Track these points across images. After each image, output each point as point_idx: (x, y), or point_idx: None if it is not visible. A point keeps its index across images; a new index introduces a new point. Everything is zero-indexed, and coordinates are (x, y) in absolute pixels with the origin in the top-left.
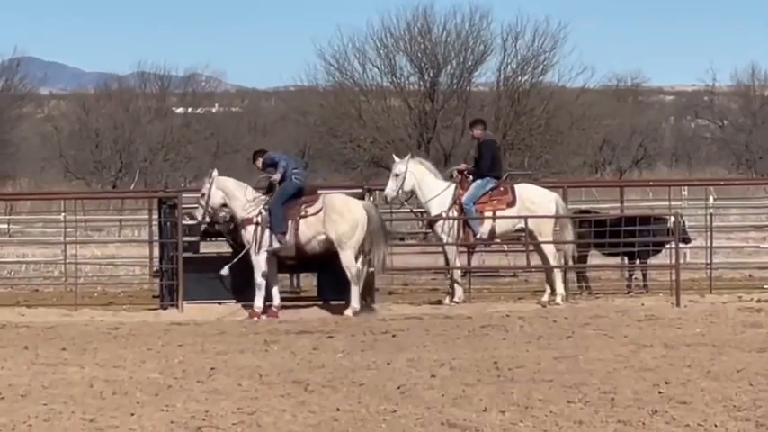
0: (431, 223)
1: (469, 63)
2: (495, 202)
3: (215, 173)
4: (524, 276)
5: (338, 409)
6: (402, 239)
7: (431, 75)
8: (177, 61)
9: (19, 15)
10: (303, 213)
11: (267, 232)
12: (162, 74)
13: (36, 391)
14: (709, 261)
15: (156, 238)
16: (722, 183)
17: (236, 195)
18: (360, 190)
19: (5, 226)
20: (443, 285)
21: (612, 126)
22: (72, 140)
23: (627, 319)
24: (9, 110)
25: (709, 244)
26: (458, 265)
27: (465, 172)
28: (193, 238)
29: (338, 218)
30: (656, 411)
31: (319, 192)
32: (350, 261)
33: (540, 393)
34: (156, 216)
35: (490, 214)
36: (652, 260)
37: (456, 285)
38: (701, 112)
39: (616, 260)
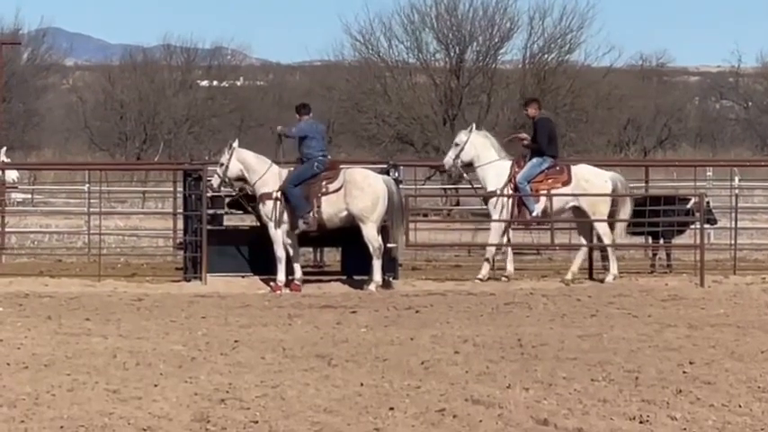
0: (485, 199)
1: (496, 40)
2: (550, 180)
3: (235, 143)
4: (548, 254)
5: (362, 384)
6: (425, 215)
7: (457, 51)
8: (203, 34)
9: None
10: (324, 190)
11: (288, 208)
12: (188, 47)
13: (59, 361)
14: (733, 242)
15: (180, 210)
16: (747, 164)
17: (255, 169)
18: (385, 165)
19: (29, 196)
20: (467, 262)
21: (637, 106)
22: (97, 112)
23: (651, 298)
24: (34, 80)
25: (733, 225)
26: (500, 242)
27: (523, 150)
28: (218, 211)
29: (359, 193)
30: (680, 391)
31: (340, 166)
32: (372, 235)
33: (563, 371)
34: (180, 188)
35: (545, 193)
36: (676, 240)
37: (485, 263)
38: (727, 93)
39: (640, 240)
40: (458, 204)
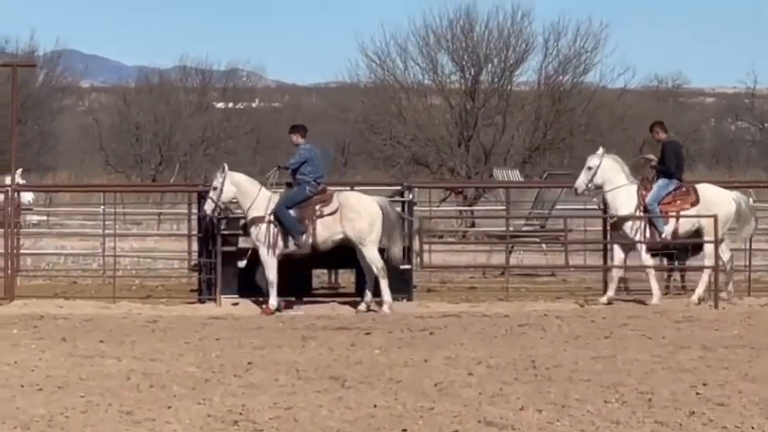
0: (616, 223)
1: (511, 62)
2: (678, 202)
3: (226, 167)
4: (563, 276)
5: (375, 406)
6: (440, 237)
7: (472, 73)
8: (219, 56)
9: (61, 8)
10: (319, 214)
11: (280, 232)
12: (203, 68)
13: (73, 382)
14: (748, 263)
15: (195, 232)
16: (762, 185)
17: (248, 192)
18: (399, 187)
19: (45, 218)
20: (481, 283)
21: None
22: (112, 133)
23: (665, 320)
24: (50, 102)
25: (748, 246)
26: (650, 263)
27: (649, 172)
28: (234, 232)
29: (355, 216)
30: (693, 413)
31: (331, 190)
32: (374, 256)
33: (577, 393)
34: (195, 210)
35: (674, 215)
36: (691, 261)
37: (653, 284)
38: (742, 115)
39: (655, 261)
40: (473, 226)
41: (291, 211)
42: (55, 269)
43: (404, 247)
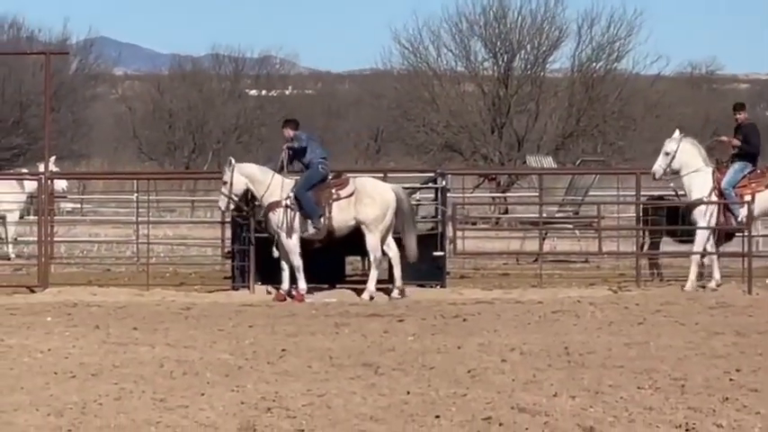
0: (689, 207)
1: (544, 48)
2: (753, 184)
3: (233, 160)
4: (596, 262)
5: (408, 392)
6: (474, 224)
7: (505, 60)
8: (252, 43)
9: None
10: (336, 197)
11: (298, 216)
12: (236, 56)
13: (107, 370)
14: None
15: (229, 219)
16: None
17: (260, 180)
18: (432, 174)
19: (78, 205)
20: (515, 270)
21: (687, 114)
22: (146, 121)
23: (698, 306)
24: (83, 90)
25: None
26: (711, 250)
27: (725, 154)
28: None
29: (370, 201)
30: (726, 399)
31: (347, 175)
32: (375, 244)
33: (610, 379)
34: None
35: (749, 197)
36: (724, 248)
37: (714, 269)
38: None
39: (688, 247)
40: (506, 212)
41: (310, 193)
42: (88, 256)
43: (439, 234)
